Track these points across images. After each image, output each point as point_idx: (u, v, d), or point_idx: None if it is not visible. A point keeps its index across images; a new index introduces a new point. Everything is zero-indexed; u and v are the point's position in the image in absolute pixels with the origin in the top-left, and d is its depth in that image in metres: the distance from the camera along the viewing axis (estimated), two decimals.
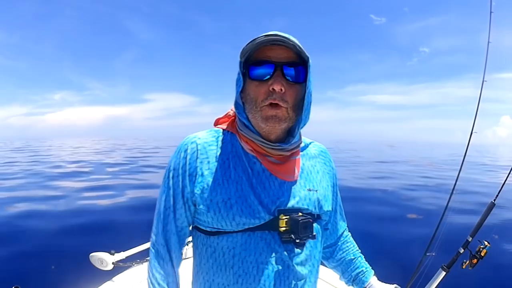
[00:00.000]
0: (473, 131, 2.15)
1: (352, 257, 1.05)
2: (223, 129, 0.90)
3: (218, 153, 0.84)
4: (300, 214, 0.81)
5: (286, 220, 0.79)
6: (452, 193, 2.06)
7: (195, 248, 0.89)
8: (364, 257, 1.07)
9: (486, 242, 1.65)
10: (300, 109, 0.82)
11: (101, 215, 6.30)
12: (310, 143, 0.98)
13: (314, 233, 0.82)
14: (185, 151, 0.84)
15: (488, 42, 2.11)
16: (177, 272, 0.89)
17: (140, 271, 2.26)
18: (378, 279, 1.02)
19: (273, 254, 0.80)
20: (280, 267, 0.80)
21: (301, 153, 0.92)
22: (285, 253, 0.80)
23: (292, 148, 0.85)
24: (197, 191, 0.81)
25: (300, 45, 0.76)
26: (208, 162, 0.83)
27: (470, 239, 1.71)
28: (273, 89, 0.76)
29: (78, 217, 6.16)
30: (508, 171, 1.79)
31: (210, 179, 0.81)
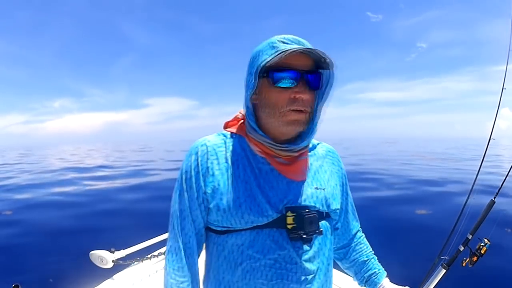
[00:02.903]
0: (491, 138, 2.02)
1: (365, 259, 1.06)
2: (232, 132, 0.93)
3: (228, 155, 0.87)
4: (307, 210, 0.83)
5: (293, 217, 0.81)
6: (468, 197, 1.98)
7: (206, 247, 0.91)
8: (377, 258, 1.08)
9: (486, 240, 1.65)
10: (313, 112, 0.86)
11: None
12: (318, 144, 1.00)
13: (321, 229, 0.84)
14: (196, 153, 0.87)
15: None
16: (197, 277, 0.88)
17: (140, 269, 2.26)
18: (390, 281, 1.03)
19: (281, 251, 0.81)
20: (288, 263, 0.82)
21: (309, 153, 0.94)
22: (293, 249, 0.82)
23: (299, 149, 0.88)
24: (208, 190, 0.84)
25: (326, 55, 0.78)
26: (218, 163, 0.85)
27: (470, 236, 1.72)
28: (296, 97, 0.80)
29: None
30: (508, 169, 1.79)
31: (220, 179, 0.84)
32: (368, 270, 1.04)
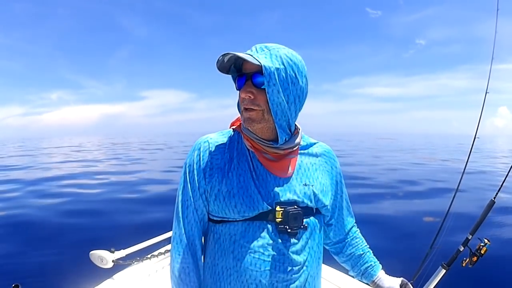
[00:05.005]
0: (476, 137, 2.15)
1: (361, 252, 1.11)
2: (234, 130, 1.01)
3: (227, 150, 0.96)
4: (295, 207, 0.89)
5: (281, 211, 0.88)
6: (456, 190, 2.06)
7: (205, 235, 0.99)
8: (372, 252, 1.13)
9: (486, 240, 1.65)
10: None
11: None
12: (314, 143, 1.05)
13: (305, 224, 0.91)
14: (199, 149, 0.96)
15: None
16: (200, 262, 0.95)
17: (140, 269, 2.26)
18: (385, 273, 1.09)
19: (269, 242, 0.88)
20: (276, 254, 0.88)
21: (302, 151, 1.00)
22: (280, 241, 0.88)
23: (286, 148, 0.93)
24: (208, 182, 0.92)
25: (253, 57, 0.82)
26: (218, 158, 0.94)
27: (470, 237, 1.72)
28: (241, 97, 0.89)
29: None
30: (508, 170, 1.79)
31: (219, 172, 0.92)
32: (364, 263, 1.10)
